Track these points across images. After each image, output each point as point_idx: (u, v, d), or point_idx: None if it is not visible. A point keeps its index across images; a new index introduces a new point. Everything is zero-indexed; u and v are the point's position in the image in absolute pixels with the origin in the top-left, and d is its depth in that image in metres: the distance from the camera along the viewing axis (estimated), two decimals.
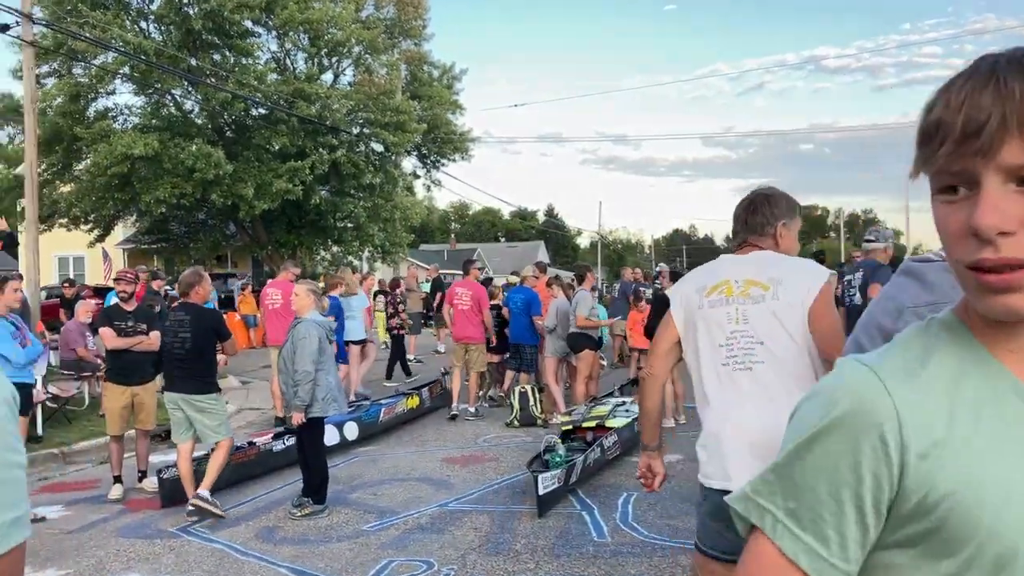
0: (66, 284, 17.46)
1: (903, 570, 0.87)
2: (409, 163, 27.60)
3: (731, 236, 2.92)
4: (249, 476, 7.44)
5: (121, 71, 20.74)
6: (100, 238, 23.18)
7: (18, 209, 20.22)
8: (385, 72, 23.86)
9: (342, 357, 10.24)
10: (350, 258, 26.03)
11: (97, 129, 20.18)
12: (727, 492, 2.66)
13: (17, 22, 14.27)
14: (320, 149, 21.31)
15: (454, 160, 28.37)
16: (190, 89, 21.55)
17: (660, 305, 9.80)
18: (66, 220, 22.32)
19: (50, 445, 8.71)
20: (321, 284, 10.60)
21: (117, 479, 7.05)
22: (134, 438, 7.43)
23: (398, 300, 14.52)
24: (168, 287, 14.38)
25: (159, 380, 7.80)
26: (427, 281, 20.85)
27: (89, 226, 22.77)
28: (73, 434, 9.23)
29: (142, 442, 7.35)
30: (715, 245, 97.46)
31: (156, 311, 9.15)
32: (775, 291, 2.60)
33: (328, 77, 24.04)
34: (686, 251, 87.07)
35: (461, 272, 11.58)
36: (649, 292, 13.46)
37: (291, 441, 7.51)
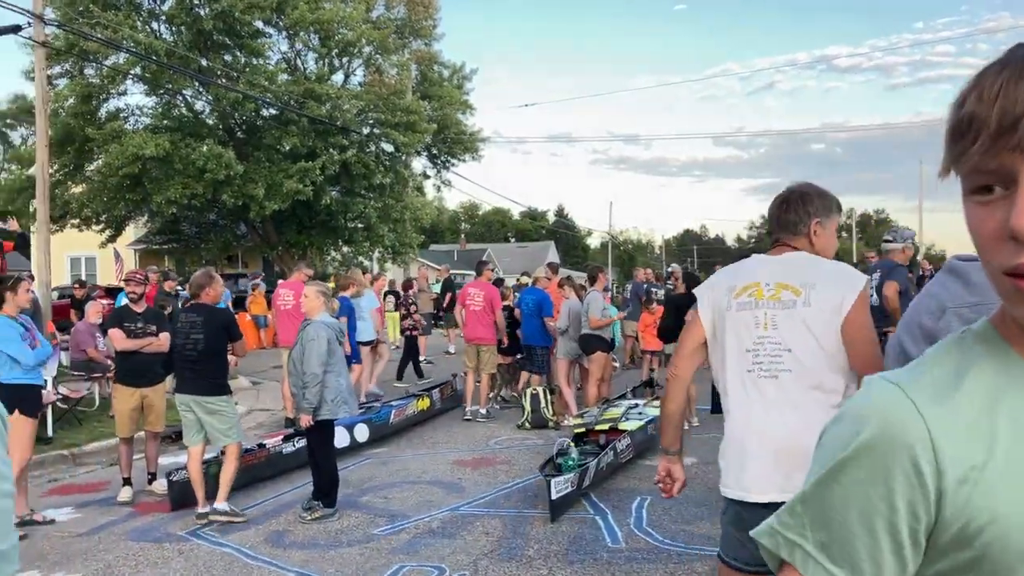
0: (77, 285, 17.52)
1: None
2: (419, 163, 27.61)
3: (767, 234, 2.81)
4: (259, 478, 7.38)
5: (132, 71, 20.78)
6: (112, 238, 23.24)
7: (31, 210, 20.28)
8: (395, 72, 23.84)
9: (355, 358, 10.19)
10: (360, 258, 26.02)
11: (108, 130, 20.23)
12: (745, 503, 2.60)
13: (29, 23, 14.31)
14: (330, 149, 21.30)
15: (464, 160, 28.38)
16: (201, 89, 21.58)
17: (672, 306, 9.71)
18: (78, 220, 22.40)
19: (60, 446, 8.68)
20: (331, 285, 10.55)
21: (127, 481, 7.01)
22: (144, 440, 7.40)
23: (410, 301, 14.46)
24: (180, 288, 14.36)
25: (169, 382, 7.77)
26: (437, 282, 20.80)
27: (101, 226, 22.85)
28: (83, 435, 9.20)
29: (151, 444, 7.31)
30: (726, 245, 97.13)
31: (168, 312, 9.13)
32: (807, 296, 2.50)
33: (339, 77, 24.05)
34: (697, 251, 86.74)
35: (471, 272, 11.53)
36: (661, 293, 13.39)
37: (301, 443, 7.45)
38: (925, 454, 0.78)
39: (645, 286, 14.06)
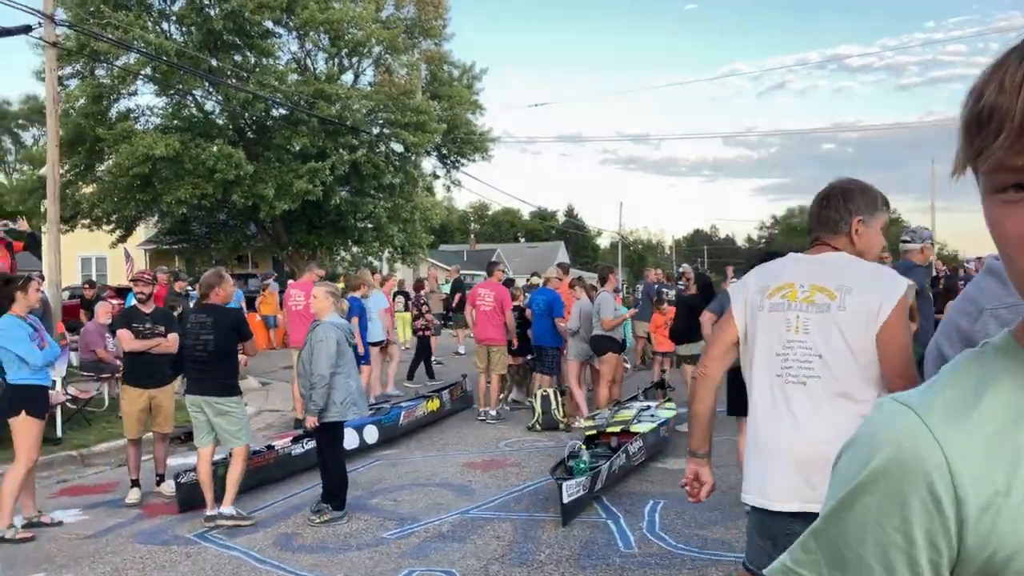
0: (87, 285, 17.53)
1: None
2: (429, 163, 27.58)
3: (807, 232, 2.70)
4: (267, 480, 7.32)
5: (143, 72, 20.81)
6: (122, 238, 23.29)
7: (42, 210, 20.36)
8: (405, 72, 23.82)
9: (365, 359, 10.14)
10: (370, 259, 26.00)
11: (119, 130, 20.28)
12: (765, 511, 2.52)
13: (40, 23, 14.33)
14: (340, 149, 21.28)
15: (474, 160, 28.30)
16: (211, 90, 21.62)
17: (685, 307, 9.62)
18: (88, 221, 22.46)
19: (69, 447, 8.66)
20: (340, 285, 10.50)
21: (135, 483, 6.97)
22: (152, 441, 7.35)
23: (422, 301, 14.42)
24: (190, 288, 14.35)
25: (177, 383, 7.73)
26: (447, 282, 20.75)
27: (111, 227, 22.91)
28: (92, 436, 9.18)
29: (159, 445, 7.26)
30: (736, 245, 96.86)
31: (178, 313, 9.09)
32: (842, 300, 2.39)
33: (348, 77, 24.06)
34: (707, 251, 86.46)
35: (481, 273, 11.48)
36: (672, 294, 13.28)
37: (310, 445, 7.40)
38: (942, 480, 0.71)
39: (656, 286, 13.95)
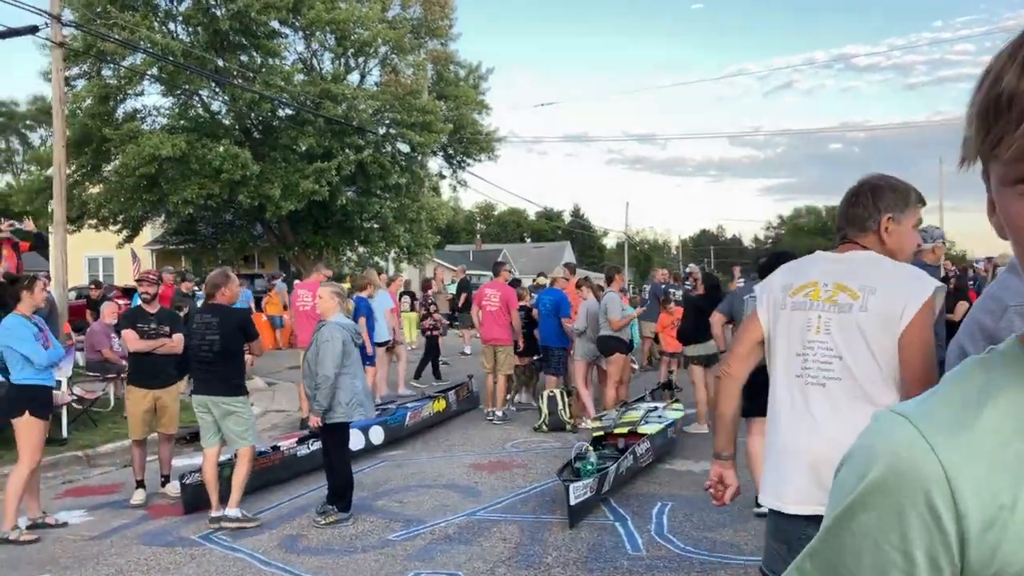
0: (93, 285, 17.53)
1: None
2: (435, 163, 27.53)
3: (836, 230, 2.63)
4: (273, 481, 7.29)
5: (149, 72, 20.84)
6: (129, 239, 23.32)
7: (49, 210, 20.40)
8: (411, 72, 23.79)
9: (371, 360, 10.11)
10: (376, 259, 25.99)
11: (125, 130, 20.30)
12: (780, 513, 2.47)
13: (46, 23, 14.34)
14: (346, 150, 21.26)
15: (480, 160, 28.24)
16: (217, 90, 21.61)
17: (692, 308, 9.55)
18: (95, 221, 22.48)
19: (75, 447, 8.64)
20: (347, 285, 10.47)
21: (140, 484, 6.94)
22: (157, 442, 7.32)
23: (430, 301, 14.39)
24: (197, 288, 14.34)
25: (183, 384, 7.70)
26: (453, 282, 20.73)
27: (118, 227, 22.93)
28: (98, 436, 9.16)
29: (164, 446, 7.23)
30: (743, 246, 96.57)
31: (184, 313, 9.07)
32: (864, 301, 2.32)
33: (354, 77, 24.01)
34: (714, 252, 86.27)
35: (487, 273, 11.44)
36: (679, 294, 13.22)
37: (316, 445, 7.36)
38: (941, 494, 0.67)
39: (663, 286, 13.89)
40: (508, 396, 10.89)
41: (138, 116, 21.95)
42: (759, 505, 2.83)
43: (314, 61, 23.89)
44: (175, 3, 21.50)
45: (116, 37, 18.63)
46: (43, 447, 6.24)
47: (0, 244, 10.68)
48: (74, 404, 9.34)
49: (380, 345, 11.21)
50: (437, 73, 25.98)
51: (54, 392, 6.76)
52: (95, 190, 22.21)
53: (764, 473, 2.52)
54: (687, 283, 14.50)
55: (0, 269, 10.07)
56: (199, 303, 11.33)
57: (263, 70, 21.19)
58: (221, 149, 19.97)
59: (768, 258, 7.42)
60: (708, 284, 9.74)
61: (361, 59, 23.84)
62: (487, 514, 6.39)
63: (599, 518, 6.17)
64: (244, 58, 21.93)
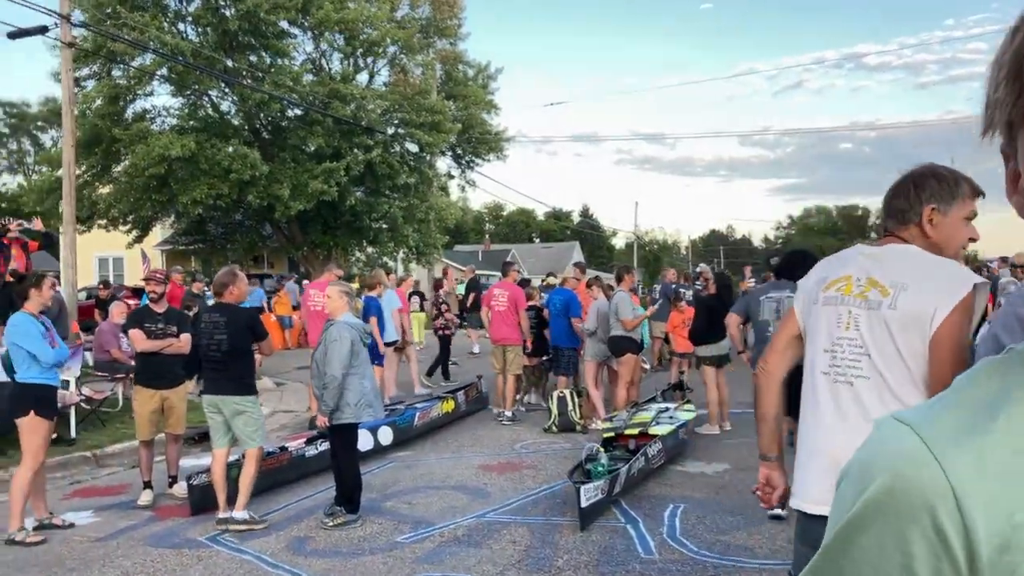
0: (102, 285, 17.55)
1: None
2: (444, 163, 27.55)
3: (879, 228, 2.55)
4: (280, 482, 7.23)
5: (159, 72, 20.87)
6: (139, 239, 23.36)
7: (59, 210, 20.45)
8: (420, 72, 23.78)
9: (379, 360, 10.05)
10: (384, 259, 25.98)
11: (135, 130, 20.32)
12: (805, 514, 2.39)
13: (56, 24, 14.36)
14: (355, 150, 21.25)
15: (488, 160, 28.26)
16: (226, 90, 21.62)
17: (704, 308, 9.46)
18: (105, 221, 22.52)
19: (83, 447, 8.61)
20: (356, 285, 10.42)
21: (147, 484, 6.90)
22: (165, 442, 7.28)
23: (441, 300, 14.34)
24: (207, 288, 14.33)
25: (191, 384, 7.65)
26: (462, 283, 20.67)
27: (128, 227, 22.97)
28: (106, 436, 9.13)
29: (172, 447, 7.19)
30: (753, 246, 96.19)
31: (193, 313, 9.02)
32: (894, 298, 2.22)
33: (363, 77, 24.02)
34: (723, 252, 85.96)
35: (496, 273, 11.37)
36: (690, 294, 13.11)
37: (324, 446, 7.31)
38: (947, 512, 0.59)
39: (674, 286, 13.79)
40: (518, 396, 10.81)
41: (148, 116, 21.99)
42: (774, 506, 2.74)
43: (323, 61, 23.89)
44: (184, 3, 21.53)
45: (126, 37, 18.66)
46: (47, 447, 6.20)
47: (10, 244, 10.67)
48: (82, 404, 9.31)
49: (388, 345, 11.16)
50: (446, 73, 25.97)
51: (63, 392, 6.72)
52: (105, 190, 22.24)
53: (794, 473, 2.45)
54: (698, 283, 14.39)
55: (9, 268, 10.05)
56: (209, 303, 11.30)
57: (272, 70, 21.19)
58: (230, 149, 19.99)
59: (784, 256, 7.31)
60: (720, 284, 9.66)
61: (370, 59, 23.83)
62: (497, 516, 6.32)
63: (610, 520, 6.09)
64: (253, 58, 21.94)
